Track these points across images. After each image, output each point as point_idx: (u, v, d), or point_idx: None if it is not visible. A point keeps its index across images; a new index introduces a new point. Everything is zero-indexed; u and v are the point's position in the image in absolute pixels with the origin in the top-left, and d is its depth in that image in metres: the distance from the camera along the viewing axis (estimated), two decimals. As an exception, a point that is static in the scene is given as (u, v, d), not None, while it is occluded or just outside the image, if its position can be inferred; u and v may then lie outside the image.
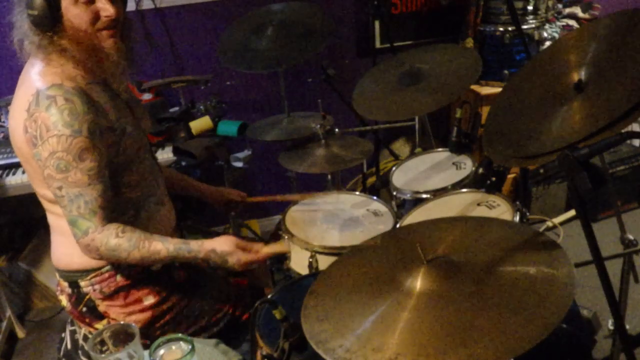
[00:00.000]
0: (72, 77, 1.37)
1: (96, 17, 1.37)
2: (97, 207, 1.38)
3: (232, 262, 1.45)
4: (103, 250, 1.39)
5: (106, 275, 1.52)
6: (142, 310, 1.55)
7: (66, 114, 1.32)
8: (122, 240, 1.39)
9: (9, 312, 2.65)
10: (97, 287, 1.52)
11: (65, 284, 1.55)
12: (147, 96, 2.66)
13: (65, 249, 1.53)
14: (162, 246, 1.42)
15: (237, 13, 2.67)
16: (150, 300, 1.56)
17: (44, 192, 1.47)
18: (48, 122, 1.32)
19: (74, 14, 1.35)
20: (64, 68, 1.37)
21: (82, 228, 1.38)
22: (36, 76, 1.38)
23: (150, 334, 1.57)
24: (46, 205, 1.52)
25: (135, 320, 1.54)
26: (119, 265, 1.52)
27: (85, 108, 1.35)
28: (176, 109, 2.59)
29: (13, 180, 2.43)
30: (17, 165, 2.48)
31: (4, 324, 2.61)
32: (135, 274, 1.54)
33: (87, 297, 1.54)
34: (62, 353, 1.68)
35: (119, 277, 1.53)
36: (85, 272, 1.52)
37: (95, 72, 1.44)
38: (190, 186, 1.90)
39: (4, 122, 2.67)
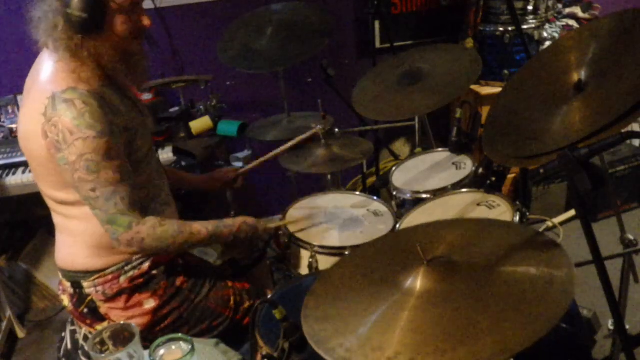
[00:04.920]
0: (86, 80, 1.38)
1: (136, 26, 1.42)
2: (133, 201, 1.42)
3: (261, 227, 1.65)
4: (149, 241, 1.43)
5: (109, 277, 1.52)
6: (142, 314, 1.55)
7: (88, 117, 1.33)
8: (166, 227, 1.45)
9: (9, 312, 2.64)
10: (99, 288, 1.52)
11: (68, 284, 1.55)
12: (147, 96, 2.66)
13: (71, 250, 1.53)
14: (202, 227, 1.52)
15: (237, 13, 2.67)
16: (151, 304, 1.56)
17: (52, 193, 1.47)
18: (70, 125, 1.33)
19: (119, 22, 1.38)
20: (78, 70, 1.38)
21: (124, 224, 1.40)
22: (49, 79, 1.38)
23: (151, 337, 1.56)
24: (53, 205, 1.52)
25: (135, 324, 1.54)
26: (123, 267, 1.52)
27: (103, 109, 1.36)
28: (176, 109, 2.59)
29: (13, 180, 2.43)
30: (17, 165, 2.48)
31: (4, 324, 2.61)
32: (138, 277, 1.54)
33: (89, 298, 1.53)
34: (62, 353, 1.68)
35: (122, 279, 1.53)
36: (89, 274, 1.52)
37: (115, 74, 1.47)
38: (183, 180, 1.92)
39: (4, 122, 2.66)
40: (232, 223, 1.59)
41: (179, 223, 1.50)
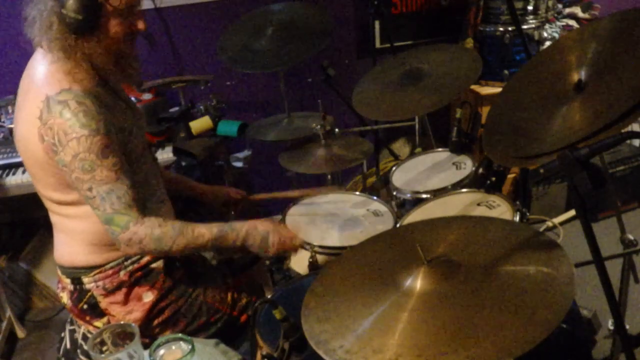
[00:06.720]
0: (80, 81, 1.38)
1: (130, 29, 1.41)
2: (131, 200, 1.39)
3: (273, 240, 1.48)
4: (147, 241, 1.39)
5: (110, 272, 1.54)
6: (141, 308, 1.57)
7: (81, 116, 1.33)
8: (166, 229, 1.40)
9: (9, 312, 2.65)
10: (100, 283, 1.53)
11: (68, 281, 1.56)
12: (147, 96, 2.66)
13: (70, 248, 1.54)
14: (206, 230, 1.44)
15: (237, 13, 2.67)
16: (149, 297, 1.57)
17: (50, 194, 1.48)
18: (64, 126, 1.33)
19: (113, 24, 1.38)
20: (73, 71, 1.38)
21: (121, 223, 1.38)
22: (43, 81, 1.38)
23: (149, 331, 1.58)
24: (51, 206, 1.53)
25: (134, 317, 1.55)
26: (123, 262, 1.54)
27: (97, 108, 1.36)
28: (176, 109, 2.59)
29: (13, 180, 2.43)
30: (17, 165, 2.48)
31: (4, 324, 2.61)
32: (137, 270, 1.56)
33: (89, 293, 1.54)
34: (61, 353, 1.69)
35: (122, 273, 1.54)
36: (89, 269, 1.53)
37: (107, 75, 1.47)
38: (187, 187, 1.91)
39: (4, 122, 2.66)
40: (240, 227, 1.47)
41: (181, 225, 1.43)
